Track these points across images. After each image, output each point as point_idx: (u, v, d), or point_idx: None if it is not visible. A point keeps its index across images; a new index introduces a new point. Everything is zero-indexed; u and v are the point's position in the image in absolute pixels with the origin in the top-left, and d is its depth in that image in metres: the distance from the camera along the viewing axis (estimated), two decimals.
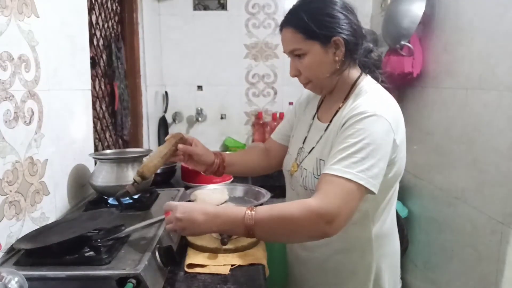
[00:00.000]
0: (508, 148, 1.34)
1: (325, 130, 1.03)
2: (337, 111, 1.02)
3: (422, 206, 1.92)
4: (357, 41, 0.99)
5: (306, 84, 1.05)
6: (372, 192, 0.87)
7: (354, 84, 1.02)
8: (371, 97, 0.96)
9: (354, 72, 1.03)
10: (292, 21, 0.99)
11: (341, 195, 0.84)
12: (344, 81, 1.03)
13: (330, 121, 1.03)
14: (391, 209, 1.06)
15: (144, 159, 1.30)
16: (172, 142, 1.10)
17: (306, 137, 1.10)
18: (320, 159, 1.00)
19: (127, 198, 1.18)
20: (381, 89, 1.01)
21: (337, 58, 0.98)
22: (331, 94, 1.07)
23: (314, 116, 1.12)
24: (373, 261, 1.02)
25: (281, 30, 1.02)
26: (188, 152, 1.13)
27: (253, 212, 0.85)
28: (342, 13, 0.96)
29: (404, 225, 1.94)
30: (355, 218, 0.98)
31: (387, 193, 1.01)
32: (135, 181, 1.02)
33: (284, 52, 1.03)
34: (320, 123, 1.08)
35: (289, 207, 0.86)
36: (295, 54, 1.00)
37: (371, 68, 1.05)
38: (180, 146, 1.10)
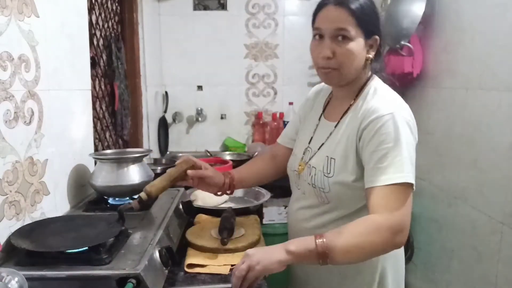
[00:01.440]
0: (508, 148, 1.34)
1: (334, 128, 1.04)
2: (347, 110, 1.03)
3: (422, 206, 1.92)
4: (382, 45, 1.02)
5: (333, 69, 0.99)
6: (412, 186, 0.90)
7: (364, 84, 1.04)
8: (387, 98, 0.98)
9: (367, 72, 1.05)
10: (350, 3, 0.96)
11: (401, 202, 0.87)
12: (357, 79, 1.04)
13: (339, 120, 1.04)
14: None
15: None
16: (184, 167, 1.10)
17: (312, 137, 1.11)
18: (330, 158, 1.01)
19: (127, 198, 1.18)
20: (391, 89, 1.03)
21: (368, 55, 1.00)
22: (340, 92, 1.07)
23: (320, 117, 1.13)
24: (378, 261, 1.02)
25: (331, 5, 0.97)
26: (199, 176, 1.12)
27: (324, 240, 0.85)
28: (378, 16, 1.01)
29: (411, 233, 1.93)
30: (362, 217, 0.98)
31: None
32: (141, 198, 1.01)
33: (324, 28, 0.97)
34: (327, 122, 1.09)
35: (358, 228, 0.88)
36: (338, 35, 0.96)
37: (378, 70, 1.07)
38: (189, 172, 1.09)
